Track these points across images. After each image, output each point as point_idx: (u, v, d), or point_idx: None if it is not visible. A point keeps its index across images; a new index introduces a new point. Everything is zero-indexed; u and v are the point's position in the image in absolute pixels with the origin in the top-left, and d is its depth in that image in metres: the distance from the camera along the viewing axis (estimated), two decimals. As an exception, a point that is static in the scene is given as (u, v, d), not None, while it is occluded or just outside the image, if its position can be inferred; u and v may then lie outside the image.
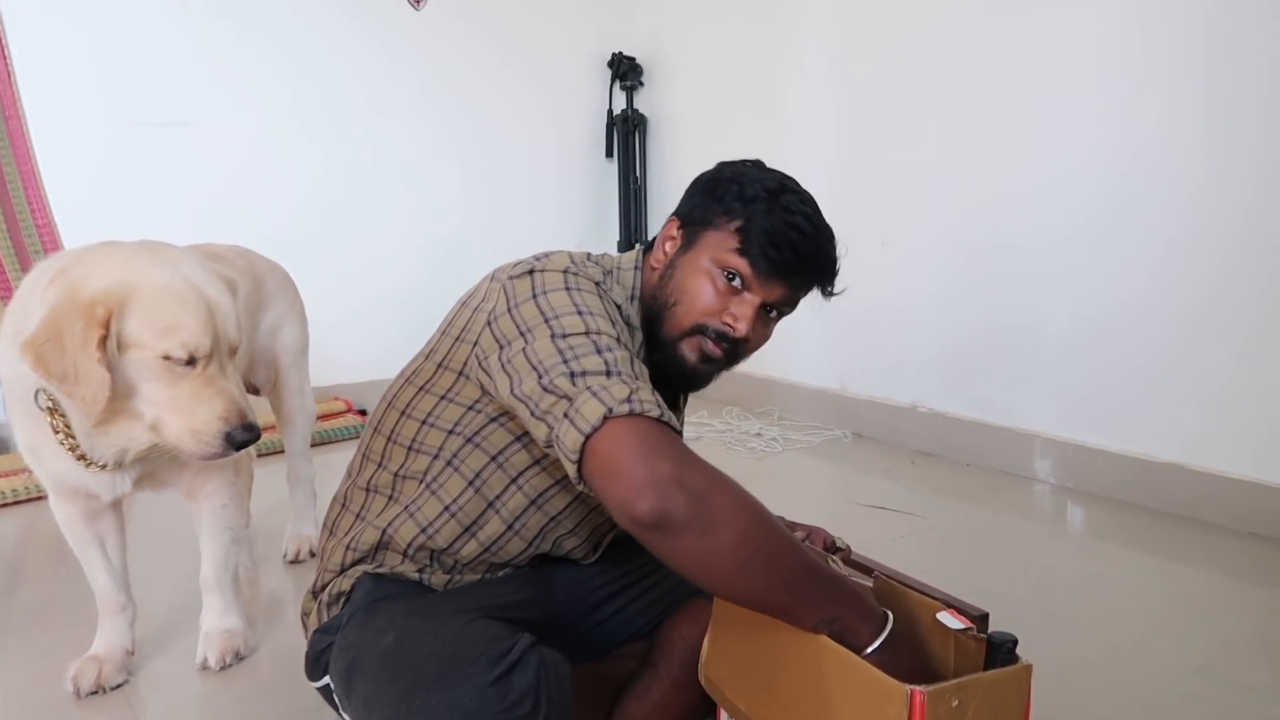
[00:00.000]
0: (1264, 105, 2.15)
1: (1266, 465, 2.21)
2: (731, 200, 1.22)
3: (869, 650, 0.97)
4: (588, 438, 0.97)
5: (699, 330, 1.22)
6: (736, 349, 1.23)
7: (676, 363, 1.23)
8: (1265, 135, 2.15)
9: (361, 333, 3.42)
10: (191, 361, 1.28)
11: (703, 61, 3.77)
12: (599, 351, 1.05)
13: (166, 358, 1.27)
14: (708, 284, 1.21)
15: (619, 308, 1.23)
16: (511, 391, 1.08)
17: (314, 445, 3.08)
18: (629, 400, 0.99)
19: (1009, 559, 2.12)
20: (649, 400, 1.00)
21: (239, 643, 1.63)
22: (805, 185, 1.32)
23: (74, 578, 1.81)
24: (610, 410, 0.98)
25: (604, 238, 4.06)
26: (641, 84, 3.99)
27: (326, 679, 1.21)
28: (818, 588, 0.99)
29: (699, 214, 1.25)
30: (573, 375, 1.03)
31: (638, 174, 3.99)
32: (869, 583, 1.18)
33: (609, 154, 4.03)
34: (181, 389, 1.29)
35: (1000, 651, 0.96)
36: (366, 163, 3.45)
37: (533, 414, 1.04)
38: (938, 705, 0.88)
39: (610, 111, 4.00)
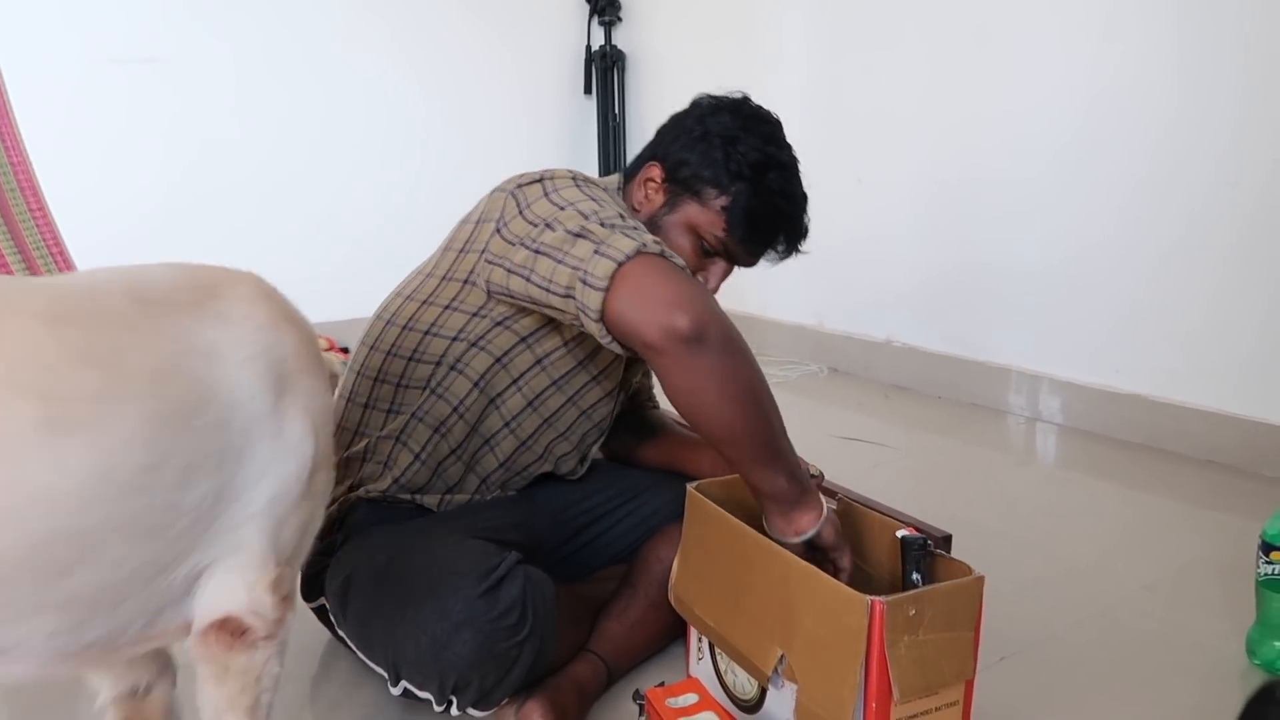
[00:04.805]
0: (1234, 44, 2.17)
1: (1225, 396, 2.28)
2: (718, 170, 1.28)
3: (808, 534, 1.08)
4: (620, 264, 1.01)
5: None
6: None
7: None
8: (1235, 74, 2.18)
9: (342, 272, 3.42)
10: None
11: (681, -4, 3.74)
12: (623, 218, 1.11)
13: None
14: (687, 248, 1.29)
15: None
16: (537, 250, 1.11)
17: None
18: (659, 243, 1.05)
19: (976, 487, 2.20)
20: (677, 256, 1.07)
21: None
22: (784, 123, 1.37)
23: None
24: (644, 245, 1.03)
25: (583, 175, 4.05)
26: (619, 19, 3.95)
27: (321, 599, 1.26)
28: (786, 454, 1.08)
29: (684, 175, 1.30)
30: (603, 223, 1.08)
31: (616, 111, 3.98)
32: (833, 504, 1.25)
33: (587, 91, 4.00)
34: None
35: (912, 548, 1.03)
36: (339, 100, 3.41)
37: (560, 262, 1.07)
38: (896, 614, 0.94)
39: (588, 47, 3.97)
